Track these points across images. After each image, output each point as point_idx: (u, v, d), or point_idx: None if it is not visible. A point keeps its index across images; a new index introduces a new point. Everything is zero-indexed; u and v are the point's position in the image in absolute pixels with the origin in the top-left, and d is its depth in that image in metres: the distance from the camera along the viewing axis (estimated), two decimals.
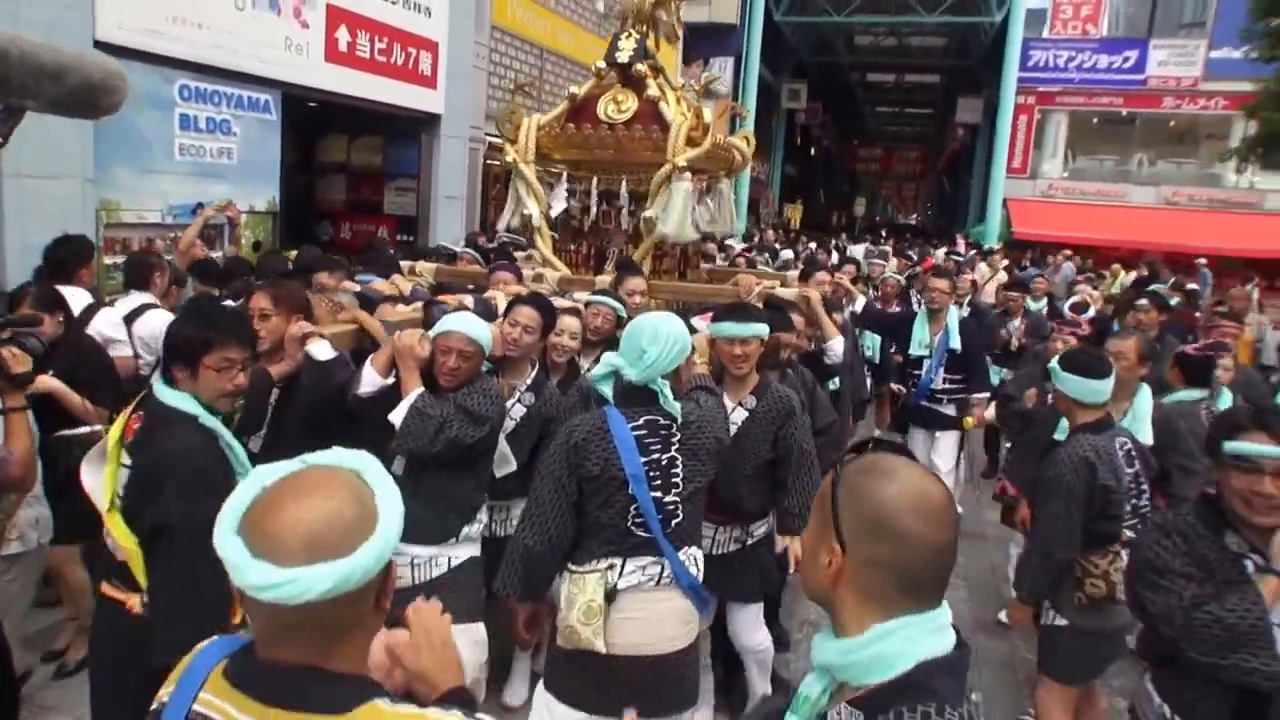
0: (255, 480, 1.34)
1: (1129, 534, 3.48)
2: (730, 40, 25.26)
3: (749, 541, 3.88)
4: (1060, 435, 4.00)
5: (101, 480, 2.66)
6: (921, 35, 32.00)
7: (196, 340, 2.63)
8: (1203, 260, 18.96)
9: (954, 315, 6.75)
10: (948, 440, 6.74)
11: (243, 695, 1.32)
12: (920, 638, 1.32)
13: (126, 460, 2.62)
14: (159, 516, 2.47)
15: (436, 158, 12.18)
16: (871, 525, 1.33)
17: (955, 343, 6.61)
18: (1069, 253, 19.42)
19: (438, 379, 3.42)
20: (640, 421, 2.93)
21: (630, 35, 6.01)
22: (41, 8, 6.81)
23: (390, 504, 1.34)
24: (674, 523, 2.95)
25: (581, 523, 2.97)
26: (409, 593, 3.26)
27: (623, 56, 5.95)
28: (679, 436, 2.96)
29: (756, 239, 19.92)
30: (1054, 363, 3.73)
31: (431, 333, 3.47)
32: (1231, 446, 2.51)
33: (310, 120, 11.50)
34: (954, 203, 38.40)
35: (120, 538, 2.57)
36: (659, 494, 2.92)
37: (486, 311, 4.12)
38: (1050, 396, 4.60)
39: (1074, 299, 8.18)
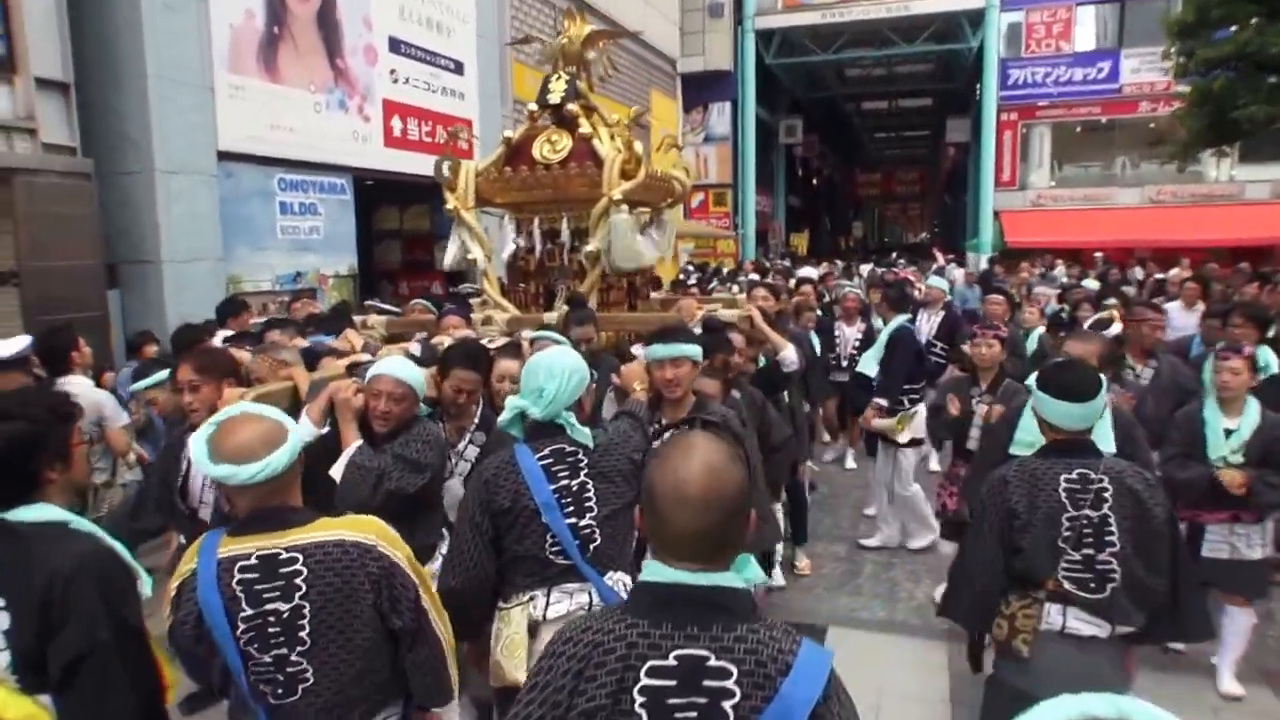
0: (204, 430, 2.23)
1: (1067, 585, 2.93)
2: (726, 85, 26.98)
3: None
4: (1016, 450, 3.75)
5: None
6: (908, 63, 33.11)
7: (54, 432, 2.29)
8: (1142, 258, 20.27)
9: (889, 326, 6.97)
10: (905, 455, 6.67)
11: (252, 535, 2.22)
12: (653, 569, 1.58)
13: None
14: (76, 644, 2.09)
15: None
16: (646, 497, 1.59)
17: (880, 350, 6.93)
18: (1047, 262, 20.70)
19: (371, 424, 3.43)
20: (546, 451, 2.91)
21: (560, 77, 6.07)
22: (179, 129, 8.72)
23: (285, 418, 2.36)
24: (593, 546, 2.92)
25: (503, 560, 2.93)
26: None
27: (554, 98, 5.99)
28: (586, 461, 2.94)
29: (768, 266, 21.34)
30: (1032, 378, 3.30)
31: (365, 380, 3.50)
32: None
33: (369, 195, 13.30)
34: (956, 217, 39.62)
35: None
36: (573, 519, 2.89)
37: (432, 356, 4.20)
38: (995, 408, 4.78)
39: (1098, 316, 6.94)
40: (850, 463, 9.02)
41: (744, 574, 1.57)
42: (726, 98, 27.13)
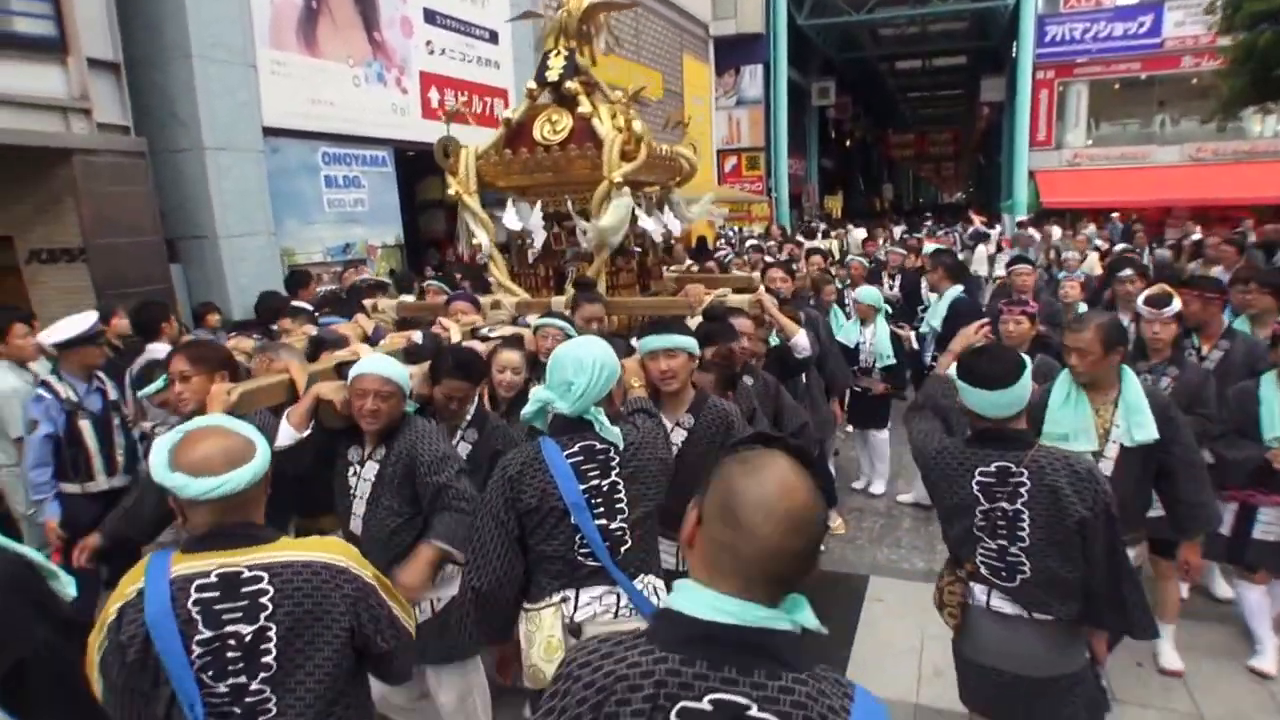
0: (170, 436, 2.05)
1: (984, 570, 2.99)
2: (758, 48, 26.70)
3: None
4: (1045, 441, 3.30)
5: None
6: (943, 22, 32.64)
7: None
8: (1115, 214, 19.99)
9: (949, 295, 7.02)
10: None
11: (211, 552, 2.02)
12: (691, 595, 1.41)
13: None
14: (15, 648, 2.12)
15: None
16: (723, 509, 1.40)
17: (938, 321, 6.97)
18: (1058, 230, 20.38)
19: (360, 423, 3.34)
20: (576, 448, 2.79)
21: (559, 53, 5.79)
22: (225, 106, 8.93)
23: (258, 438, 2.13)
24: (623, 550, 2.82)
25: (529, 558, 2.82)
26: None
27: (552, 75, 5.74)
28: (618, 461, 2.81)
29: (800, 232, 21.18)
30: (952, 367, 3.22)
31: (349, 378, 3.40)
32: None
33: (410, 166, 13.40)
34: (991, 177, 39.17)
35: None
36: (604, 521, 2.78)
37: (434, 345, 4.09)
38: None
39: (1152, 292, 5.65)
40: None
41: (794, 614, 1.41)
42: (759, 60, 26.87)
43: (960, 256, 14.35)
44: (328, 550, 2.17)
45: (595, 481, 2.79)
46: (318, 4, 10.15)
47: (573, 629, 2.78)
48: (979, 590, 3.03)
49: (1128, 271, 6.46)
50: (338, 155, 10.57)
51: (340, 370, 3.66)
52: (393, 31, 11.40)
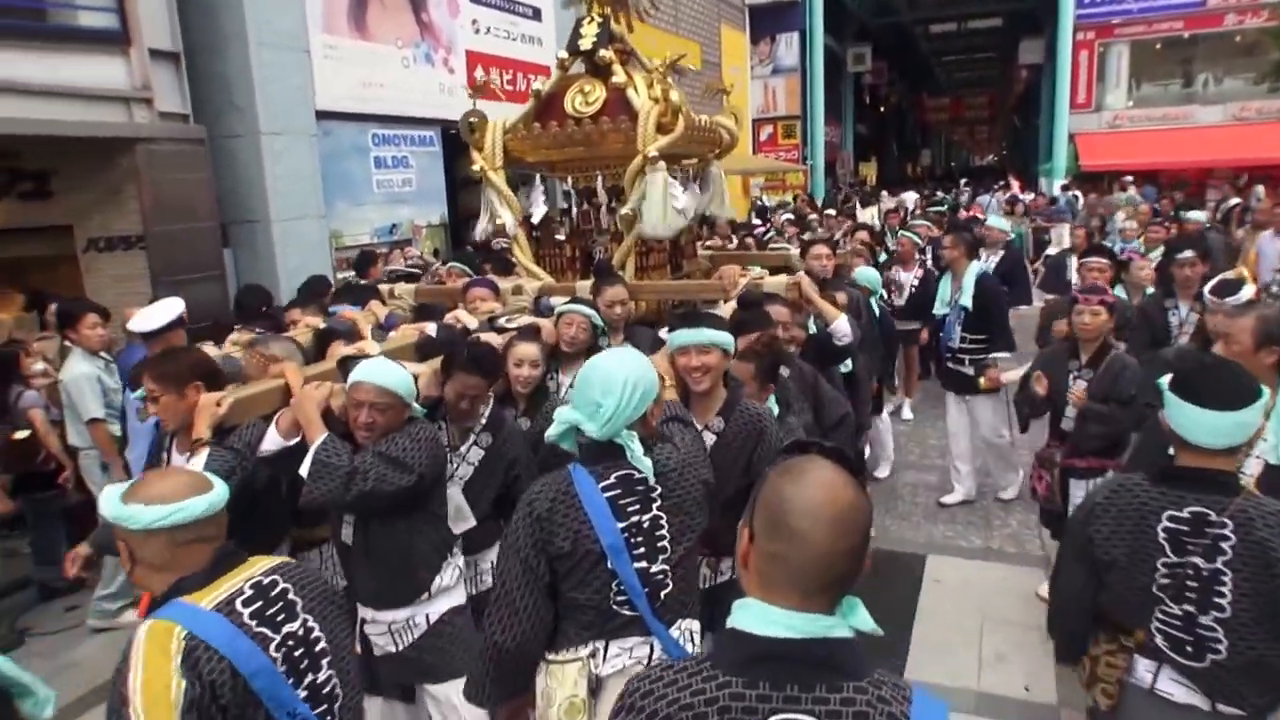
0: (118, 488, 1.98)
1: (1160, 641, 2.46)
2: (793, 15, 26.49)
3: (734, 574, 3.26)
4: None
5: None
6: None
7: None
8: (1129, 178, 19.59)
9: (971, 271, 6.45)
10: (982, 406, 6.43)
11: (221, 578, 1.98)
12: (752, 612, 1.40)
13: None
14: None
15: None
16: (771, 522, 1.39)
17: (968, 300, 6.33)
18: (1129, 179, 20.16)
19: (355, 435, 3.12)
20: (612, 479, 2.43)
21: (592, 20, 5.43)
22: (280, 91, 9.08)
23: (217, 481, 2.05)
24: (664, 594, 2.47)
25: (558, 604, 2.47)
26: (394, 660, 3.22)
27: (585, 43, 5.38)
28: (659, 490, 2.47)
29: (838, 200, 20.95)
30: (1163, 378, 2.57)
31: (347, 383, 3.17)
32: None
33: (454, 145, 13.55)
34: (1026, 140, 38.73)
35: None
36: (644, 564, 2.44)
37: (449, 338, 3.86)
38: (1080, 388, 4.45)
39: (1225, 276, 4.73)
40: (907, 413, 8.80)
41: (851, 619, 1.42)
42: (794, 28, 26.65)
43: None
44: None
45: (635, 518, 2.44)
46: None
47: (594, 688, 2.46)
48: (1145, 667, 2.52)
49: (1188, 254, 5.65)
50: (387, 136, 10.71)
51: (344, 367, 3.34)
52: (440, 11, 11.49)
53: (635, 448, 2.43)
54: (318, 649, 2.06)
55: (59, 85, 7.29)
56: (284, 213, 9.13)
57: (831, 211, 15.96)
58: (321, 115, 9.62)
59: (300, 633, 2.03)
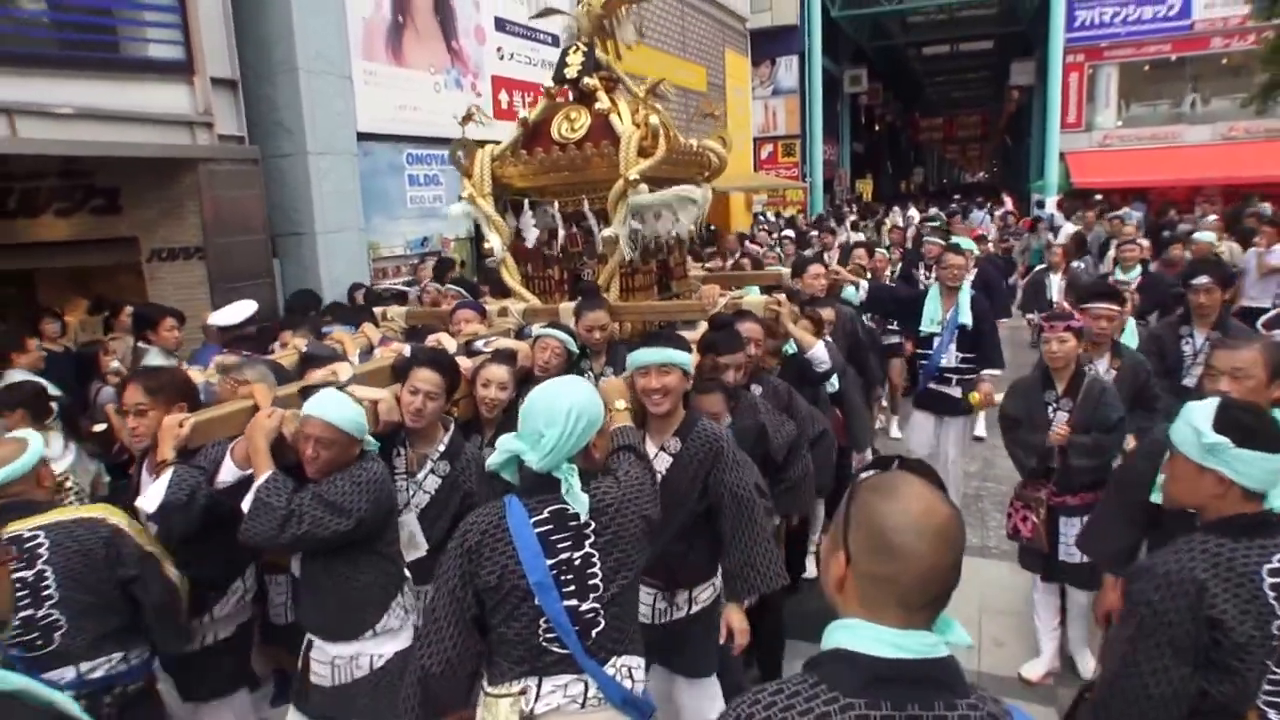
0: None
1: (1273, 713, 2.14)
2: (793, 39, 27.31)
3: (692, 609, 3.41)
4: (1156, 498, 2.87)
5: None
6: (971, 8, 33.10)
7: None
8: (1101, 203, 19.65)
9: (966, 290, 6.28)
10: (957, 427, 6.36)
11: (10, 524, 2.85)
12: (864, 634, 1.39)
13: None
14: None
15: None
16: (873, 542, 1.38)
17: (966, 318, 6.13)
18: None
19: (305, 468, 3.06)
20: (545, 514, 2.38)
21: (578, 49, 5.53)
22: (326, 114, 9.75)
23: (36, 443, 3.01)
24: (594, 633, 2.41)
25: (489, 637, 2.44)
26: (332, 693, 3.18)
27: (571, 72, 5.49)
28: (593, 527, 2.41)
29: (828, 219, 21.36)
30: (1205, 423, 2.28)
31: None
32: None
33: None
34: (1017, 158, 39.43)
35: None
36: (574, 601, 2.38)
37: (432, 359, 3.73)
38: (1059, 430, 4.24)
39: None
40: (895, 431, 8.91)
41: (948, 637, 1.43)
42: (794, 51, 27.49)
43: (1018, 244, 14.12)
44: (90, 510, 3.01)
45: (566, 555, 2.38)
46: (403, 18, 10.94)
47: None
48: None
49: (1204, 279, 5.26)
50: (420, 156, 11.39)
51: (305, 395, 3.30)
52: (468, 40, 12.19)
53: (573, 483, 2.37)
54: (43, 594, 2.80)
55: (130, 110, 7.97)
56: (327, 226, 9.78)
57: (814, 233, 15.87)
58: (361, 136, 10.29)
59: (30, 579, 2.80)
